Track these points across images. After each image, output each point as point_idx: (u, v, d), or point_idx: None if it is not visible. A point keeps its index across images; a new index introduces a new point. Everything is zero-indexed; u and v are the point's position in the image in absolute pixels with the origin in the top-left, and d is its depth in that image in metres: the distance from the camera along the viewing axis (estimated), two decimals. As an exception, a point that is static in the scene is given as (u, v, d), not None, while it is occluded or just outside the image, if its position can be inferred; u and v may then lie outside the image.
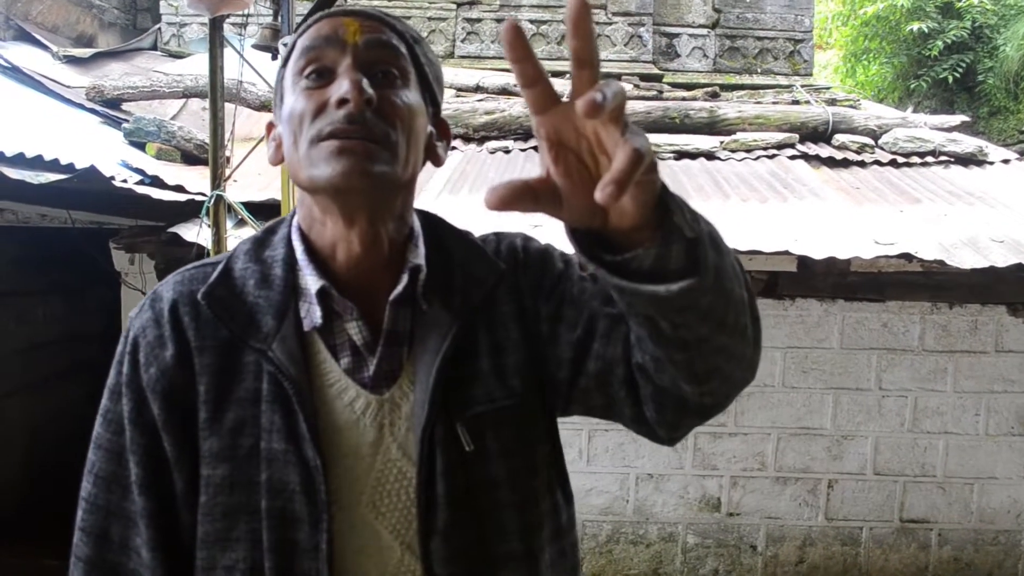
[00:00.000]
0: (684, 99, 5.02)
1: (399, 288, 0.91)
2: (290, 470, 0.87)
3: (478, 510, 0.90)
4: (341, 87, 0.85)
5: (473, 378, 0.92)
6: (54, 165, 2.81)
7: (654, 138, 4.45)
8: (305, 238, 0.95)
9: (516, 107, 4.56)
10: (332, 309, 0.91)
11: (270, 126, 0.98)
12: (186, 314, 0.91)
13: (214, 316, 0.90)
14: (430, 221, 1.02)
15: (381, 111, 0.86)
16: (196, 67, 4.97)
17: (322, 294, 0.90)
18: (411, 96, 0.91)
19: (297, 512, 0.87)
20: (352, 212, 0.89)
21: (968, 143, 4.55)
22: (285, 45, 0.98)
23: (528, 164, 4.10)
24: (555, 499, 0.98)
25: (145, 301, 0.96)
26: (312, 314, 0.91)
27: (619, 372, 0.90)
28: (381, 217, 0.92)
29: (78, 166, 2.84)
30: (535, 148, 4.32)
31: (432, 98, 0.97)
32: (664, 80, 5.55)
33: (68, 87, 4.57)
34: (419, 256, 0.94)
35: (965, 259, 3.12)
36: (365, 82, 0.86)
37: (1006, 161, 4.57)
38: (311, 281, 0.91)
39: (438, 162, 1.00)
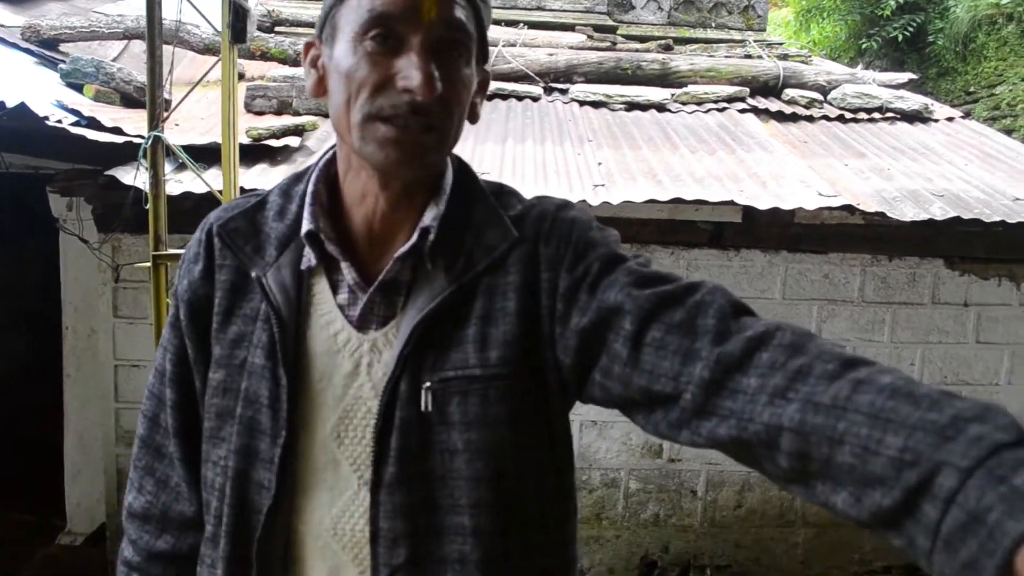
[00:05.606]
0: (637, 51, 5.00)
1: (406, 247, 0.93)
2: (263, 384, 0.92)
3: (431, 475, 0.89)
4: (411, 77, 0.84)
5: (456, 342, 0.91)
6: (-18, 103, 2.71)
7: (606, 88, 4.44)
8: (331, 178, 0.99)
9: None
10: (324, 251, 0.94)
11: (309, 46, 0.97)
12: (218, 236, 0.99)
13: (224, 245, 0.98)
14: (464, 174, 1.02)
15: (443, 96, 0.86)
16: (138, 8, 4.79)
17: (310, 237, 0.94)
18: (469, 70, 0.91)
19: (262, 424, 0.92)
20: (391, 181, 0.93)
21: (914, 100, 4.61)
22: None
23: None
24: (534, 486, 0.94)
25: (201, 224, 1.05)
26: (309, 254, 0.95)
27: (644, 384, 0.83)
28: (417, 185, 0.95)
29: (8, 104, 2.74)
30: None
31: (484, 54, 0.97)
32: (618, 32, 5.50)
33: (2, 26, 4.39)
34: (434, 216, 0.94)
35: (906, 212, 3.18)
36: (436, 74, 0.85)
37: (950, 119, 4.65)
38: (304, 223, 0.94)
39: (475, 119, 0.99)
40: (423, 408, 0.88)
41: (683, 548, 3.91)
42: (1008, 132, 6.50)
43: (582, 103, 4.39)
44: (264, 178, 3.13)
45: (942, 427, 0.60)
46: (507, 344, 0.90)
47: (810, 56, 5.49)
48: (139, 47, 4.63)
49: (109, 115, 3.30)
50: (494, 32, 4.95)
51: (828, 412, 0.67)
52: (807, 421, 0.68)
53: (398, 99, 0.85)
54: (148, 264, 2.64)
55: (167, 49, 2.76)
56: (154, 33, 2.62)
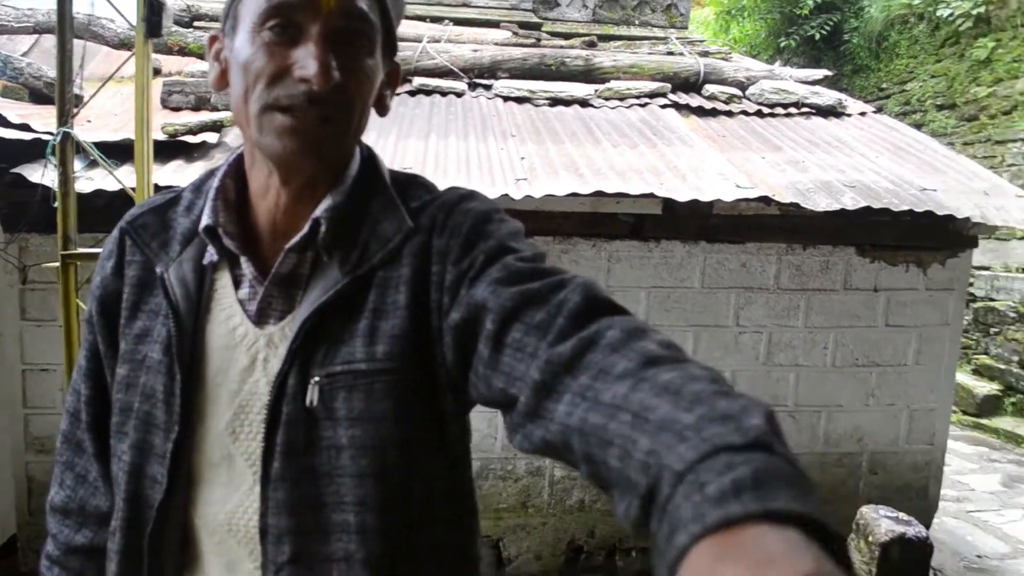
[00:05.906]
0: (561, 47, 5.05)
1: (296, 238, 0.92)
2: (159, 379, 0.92)
3: (317, 471, 0.88)
4: (308, 66, 0.83)
5: (346, 336, 0.89)
6: None
7: (530, 84, 4.48)
8: (241, 173, 0.98)
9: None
10: (224, 246, 0.94)
11: (213, 39, 0.96)
12: (127, 232, 1.00)
13: (133, 242, 0.99)
14: (371, 163, 0.99)
15: (341, 86, 0.85)
16: (49, 1, 4.66)
17: (208, 232, 0.93)
18: (373, 61, 0.90)
19: (157, 418, 0.92)
20: (292, 175, 0.92)
21: (829, 96, 4.77)
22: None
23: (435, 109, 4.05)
24: (423, 484, 0.92)
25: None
26: (211, 249, 0.94)
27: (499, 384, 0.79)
28: (318, 178, 0.94)
29: (-94, 99, 2.64)
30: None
31: (391, 46, 0.95)
32: (543, 29, 5.55)
33: (-99, 20, 4.21)
34: (327, 207, 0.92)
35: (819, 202, 3.29)
36: (333, 63, 0.84)
37: (863, 114, 4.82)
38: (204, 218, 0.93)
39: (383, 112, 0.98)
40: (308, 403, 0.87)
41: (608, 532, 3.97)
42: (918, 126, 6.78)
43: (506, 99, 4.42)
44: (179, 175, 3.07)
45: (683, 427, 0.54)
46: (395, 339, 0.88)
47: (730, 53, 5.62)
48: (50, 42, 4.48)
49: (17, 111, 3.20)
50: (419, 28, 4.96)
51: (604, 411, 0.63)
52: (588, 420, 0.64)
53: (295, 89, 0.84)
54: (57, 264, 2.57)
55: (79, 43, 2.70)
56: (65, 26, 2.56)
